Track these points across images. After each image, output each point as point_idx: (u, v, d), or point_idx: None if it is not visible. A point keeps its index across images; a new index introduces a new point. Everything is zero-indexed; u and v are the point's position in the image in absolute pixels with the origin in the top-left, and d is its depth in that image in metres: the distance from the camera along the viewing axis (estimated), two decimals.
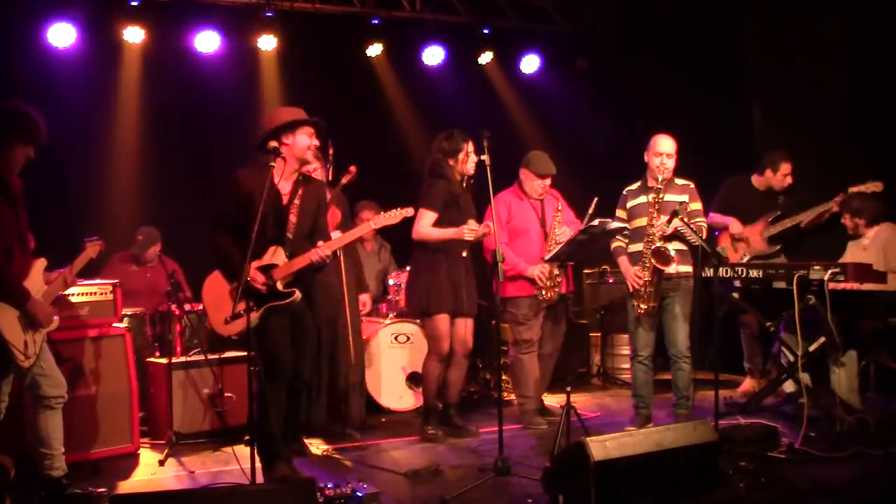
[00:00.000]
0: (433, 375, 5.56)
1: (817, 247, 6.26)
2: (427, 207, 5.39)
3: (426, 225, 5.40)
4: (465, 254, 5.44)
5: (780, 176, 6.40)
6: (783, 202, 6.44)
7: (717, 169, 6.77)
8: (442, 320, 5.44)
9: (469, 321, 5.57)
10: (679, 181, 5.54)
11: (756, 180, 6.51)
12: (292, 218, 4.51)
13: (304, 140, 4.54)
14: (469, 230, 5.30)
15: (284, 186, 4.54)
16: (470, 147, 5.42)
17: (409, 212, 4.79)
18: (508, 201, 5.85)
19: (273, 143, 4.45)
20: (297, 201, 4.54)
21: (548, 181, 5.86)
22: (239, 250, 4.35)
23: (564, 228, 5.79)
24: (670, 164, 5.43)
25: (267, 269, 4.45)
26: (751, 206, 6.44)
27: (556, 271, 5.70)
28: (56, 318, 4.32)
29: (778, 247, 6.36)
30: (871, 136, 6.46)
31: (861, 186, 5.92)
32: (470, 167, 5.44)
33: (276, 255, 4.46)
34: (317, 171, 5.40)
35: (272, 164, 4.34)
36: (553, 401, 6.35)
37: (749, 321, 6.49)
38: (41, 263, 4.32)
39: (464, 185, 5.53)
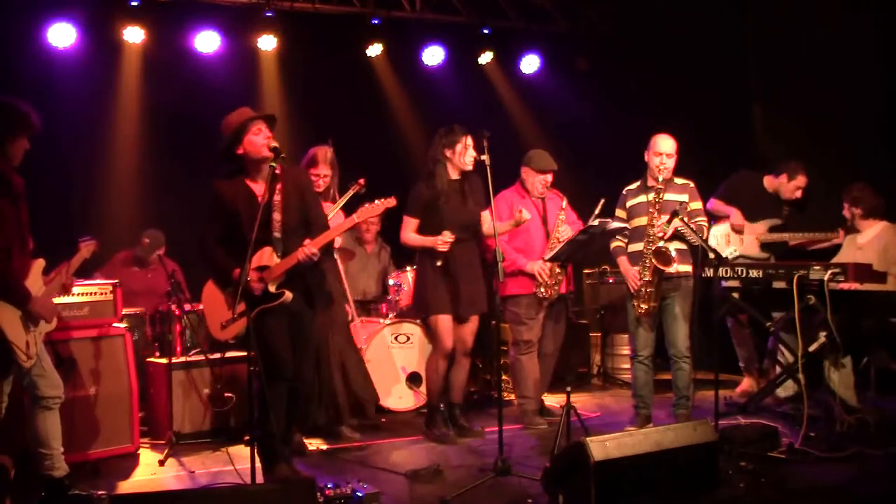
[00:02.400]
0: (437, 373, 5.54)
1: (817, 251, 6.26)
2: (408, 214, 5.45)
3: (408, 232, 5.48)
4: (438, 263, 5.37)
5: (792, 186, 6.34)
6: (787, 213, 6.42)
7: (718, 169, 6.77)
8: (440, 320, 5.44)
9: (474, 321, 5.55)
10: (679, 181, 5.55)
11: (767, 181, 6.46)
12: (275, 216, 4.43)
13: (252, 140, 4.45)
14: (442, 242, 5.29)
15: (257, 188, 4.48)
16: (469, 141, 5.40)
17: (391, 202, 4.72)
18: (510, 200, 5.85)
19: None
20: (277, 197, 4.44)
21: (548, 177, 5.86)
22: (229, 257, 4.38)
23: (566, 227, 5.80)
24: (670, 163, 5.43)
25: (259, 271, 4.43)
26: (755, 204, 6.40)
27: (556, 269, 5.70)
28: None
29: (767, 255, 6.35)
30: (872, 137, 6.46)
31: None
32: (468, 161, 5.42)
33: (268, 257, 4.45)
34: (327, 177, 5.42)
35: (272, 164, 4.34)
36: (553, 401, 6.35)
37: (743, 320, 6.48)
38: (40, 264, 4.32)
39: (464, 180, 5.51)
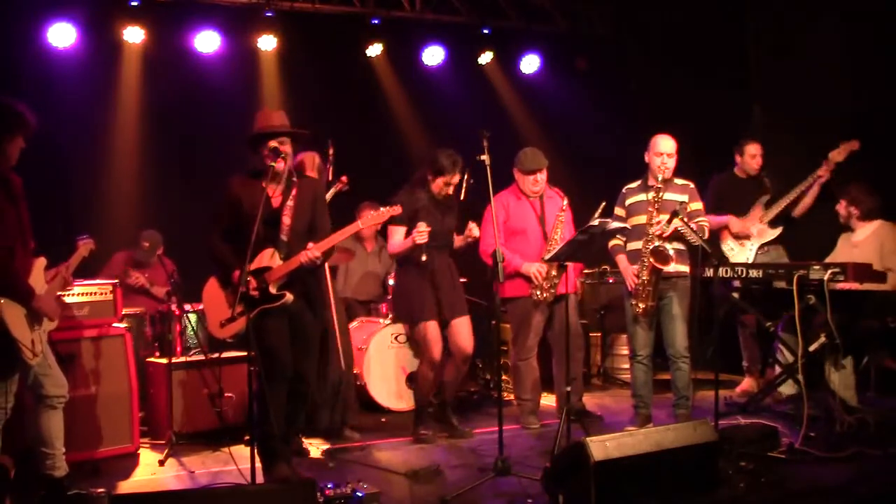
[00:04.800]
0: (426, 382, 5.56)
1: (814, 242, 6.24)
2: (394, 224, 5.42)
3: (396, 240, 5.48)
4: (424, 258, 5.38)
5: (747, 158, 6.39)
6: (770, 185, 6.40)
7: (718, 169, 6.76)
8: (427, 328, 5.43)
9: (461, 323, 5.53)
10: (679, 181, 5.55)
11: (738, 170, 6.52)
12: (285, 220, 4.51)
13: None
14: (418, 232, 5.30)
15: (275, 189, 4.54)
16: (454, 179, 5.41)
17: (397, 210, 4.78)
18: (507, 201, 5.85)
19: (273, 144, 4.46)
20: (290, 202, 4.53)
21: (538, 176, 5.82)
22: (234, 255, 4.41)
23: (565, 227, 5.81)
24: (671, 164, 5.43)
25: (260, 272, 4.45)
26: (740, 197, 6.41)
27: (553, 272, 5.68)
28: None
29: (780, 228, 6.33)
30: (872, 136, 6.45)
31: (840, 149, 6.01)
32: (441, 195, 5.44)
33: (269, 258, 4.47)
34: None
35: (272, 164, 4.36)
36: (551, 401, 6.32)
37: (748, 321, 6.48)
38: (41, 263, 4.34)
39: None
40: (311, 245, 4.47)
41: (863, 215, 5.85)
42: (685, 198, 5.50)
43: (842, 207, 5.95)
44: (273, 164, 4.38)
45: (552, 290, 5.69)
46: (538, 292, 5.69)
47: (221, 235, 4.55)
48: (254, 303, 4.37)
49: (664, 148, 5.44)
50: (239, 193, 4.51)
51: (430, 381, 5.55)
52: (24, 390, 4.30)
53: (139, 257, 6.70)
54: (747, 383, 6.60)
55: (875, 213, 5.84)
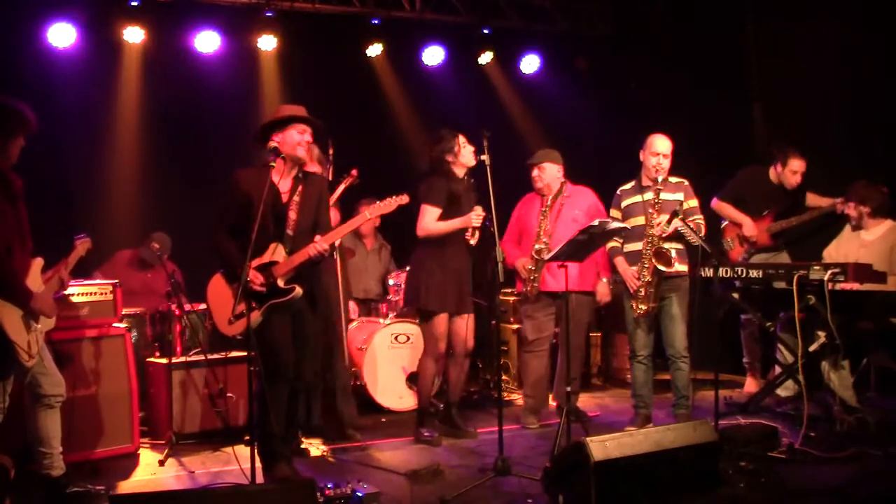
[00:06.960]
0: (429, 375, 5.55)
1: (818, 243, 6.24)
2: (430, 203, 5.39)
3: (431, 220, 5.40)
4: (473, 241, 5.38)
5: (787, 172, 6.19)
6: (790, 199, 6.33)
7: (717, 168, 6.77)
8: (441, 320, 5.43)
9: (469, 318, 5.55)
10: (673, 179, 5.53)
11: (772, 173, 6.34)
12: (292, 215, 4.53)
13: (293, 136, 4.53)
14: (476, 215, 5.29)
15: (283, 184, 4.56)
16: (462, 140, 5.44)
17: (404, 199, 4.73)
18: (523, 202, 5.95)
19: (274, 143, 4.46)
20: (297, 198, 4.56)
21: (537, 172, 5.82)
22: (239, 250, 4.40)
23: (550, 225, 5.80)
24: (665, 164, 5.42)
25: (267, 267, 4.46)
26: (761, 198, 6.29)
27: (530, 265, 5.70)
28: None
29: (780, 241, 6.31)
30: (872, 136, 6.46)
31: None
32: (469, 159, 5.43)
33: (276, 253, 4.48)
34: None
35: (272, 163, 4.36)
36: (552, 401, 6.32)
37: (750, 321, 6.46)
38: (38, 263, 4.33)
39: (468, 179, 5.51)
40: (318, 237, 4.47)
41: (874, 212, 5.79)
42: (681, 196, 5.48)
43: (851, 209, 5.87)
44: (273, 163, 4.38)
45: (535, 284, 5.72)
46: (525, 286, 5.75)
47: (227, 232, 4.55)
48: (263, 297, 4.39)
49: (660, 148, 5.43)
50: (248, 188, 4.49)
51: (432, 374, 5.54)
52: (23, 390, 4.30)
53: (145, 257, 6.67)
54: (751, 384, 6.57)
55: (885, 210, 5.80)
